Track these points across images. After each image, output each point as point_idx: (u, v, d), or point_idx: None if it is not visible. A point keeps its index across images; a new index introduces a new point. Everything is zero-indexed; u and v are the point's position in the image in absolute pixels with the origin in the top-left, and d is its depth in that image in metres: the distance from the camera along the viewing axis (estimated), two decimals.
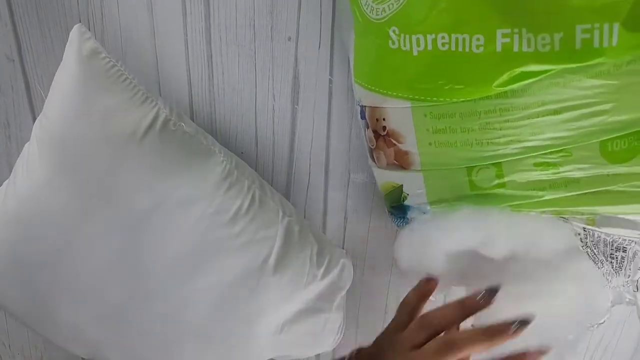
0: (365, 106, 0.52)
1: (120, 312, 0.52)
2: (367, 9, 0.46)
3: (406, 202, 0.53)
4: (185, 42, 0.60)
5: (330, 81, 0.62)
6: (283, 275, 0.53)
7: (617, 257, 0.50)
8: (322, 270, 0.55)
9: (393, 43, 0.45)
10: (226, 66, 0.61)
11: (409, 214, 0.53)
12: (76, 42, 0.48)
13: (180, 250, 0.50)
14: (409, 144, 0.49)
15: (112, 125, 0.48)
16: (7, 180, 0.53)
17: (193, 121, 0.64)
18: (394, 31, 0.45)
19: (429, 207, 0.51)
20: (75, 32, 0.48)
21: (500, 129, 0.45)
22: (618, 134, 0.43)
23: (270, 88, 0.62)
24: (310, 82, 0.62)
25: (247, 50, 0.60)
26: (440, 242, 0.50)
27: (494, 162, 0.46)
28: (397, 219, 0.55)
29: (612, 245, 0.50)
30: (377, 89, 0.49)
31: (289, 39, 0.60)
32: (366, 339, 0.79)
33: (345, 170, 0.67)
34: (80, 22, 0.60)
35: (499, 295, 0.48)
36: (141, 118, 0.49)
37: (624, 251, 0.50)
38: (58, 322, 0.53)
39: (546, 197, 0.47)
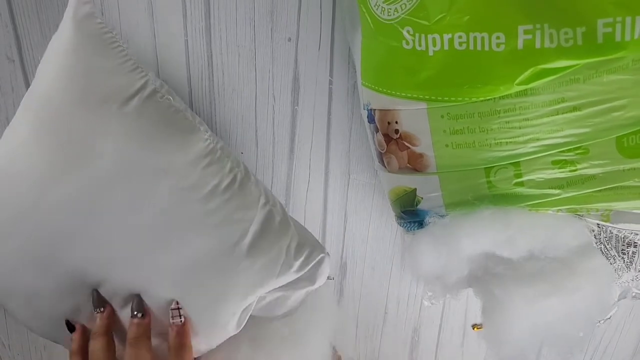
0: (374, 109, 0.51)
1: (77, 279, 0.50)
2: (376, 9, 0.46)
3: (420, 206, 0.52)
4: (185, 42, 0.60)
5: (330, 82, 0.62)
6: (256, 261, 0.51)
7: (628, 253, 0.50)
8: (298, 262, 0.53)
9: (407, 43, 0.44)
10: (226, 66, 0.61)
11: (427, 219, 0.52)
12: (73, 5, 0.47)
13: (147, 220, 0.48)
14: (424, 146, 0.48)
15: (95, 87, 0.47)
16: None
17: None
18: (408, 31, 0.44)
19: (445, 211, 0.51)
20: None
21: (520, 128, 0.44)
22: (633, 129, 0.44)
23: (270, 88, 0.62)
24: (310, 82, 0.62)
25: (247, 51, 0.60)
26: (464, 245, 0.49)
27: (513, 161, 0.46)
28: (408, 224, 0.55)
29: (624, 241, 0.50)
30: (388, 91, 0.48)
31: (289, 39, 0.60)
32: (366, 339, 0.79)
33: (346, 171, 0.67)
34: None
35: (512, 296, 0.49)
36: (127, 85, 0.48)
37: (635, 246, 0.50)
38: (18, 290, 0.51)
39: (564, 195, 0.47)
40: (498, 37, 0.41)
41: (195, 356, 0.51)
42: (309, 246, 0.55)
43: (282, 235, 0.53)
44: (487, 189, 0.48)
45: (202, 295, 0.50)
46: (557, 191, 0.47)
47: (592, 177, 0.46)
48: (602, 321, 0.61)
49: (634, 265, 0.51)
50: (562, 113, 0.43)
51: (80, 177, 0.48)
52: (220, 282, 0.50)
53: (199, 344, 0.52)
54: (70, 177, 0.48)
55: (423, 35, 0.43)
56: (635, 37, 0.38)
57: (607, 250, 0.50)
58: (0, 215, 0.49)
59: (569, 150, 0.45)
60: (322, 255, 0.55)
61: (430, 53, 0.43)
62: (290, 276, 0.53)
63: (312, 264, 0.55)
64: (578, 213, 0.48)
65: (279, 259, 0.52)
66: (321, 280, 0.56)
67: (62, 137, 0.47)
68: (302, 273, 0.54)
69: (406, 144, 0.49)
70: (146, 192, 0.48)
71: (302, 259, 0.54)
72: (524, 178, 0.47)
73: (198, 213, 0.49)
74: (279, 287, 0.54)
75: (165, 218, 0.49)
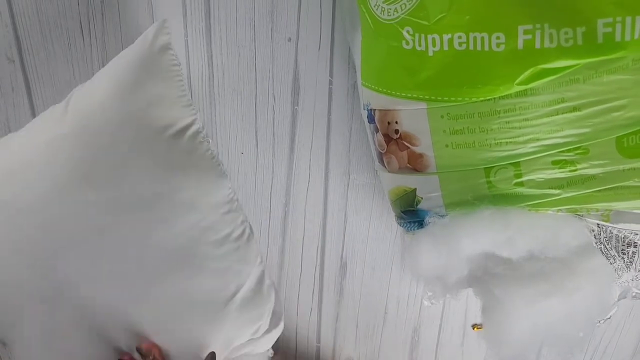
0: (374, 109, 0.51)
1: (65, 290, 0.49)
2: (376, 10, 0.46)
3: (420, 206, 0.52)
4: (186, 42, 0.60)
5: (330, 82, 0.62)
6: (241, 316, 0.53)
7: (628, 252, 0.50)
8: (267, 327, 0.56)
9: (407, 43, 0.44)
10: (226, 66, 0.61)
11: (427, 219, 0.52)
12: (154, 31, 0.50)
13: (160, 247, 0.50)
14: (424, 146, 0.48)
15: (152, 112, 0.49)
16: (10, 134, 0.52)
17: None
18: (407, 31, 0.44)
19: (445, 211, 0.51)
20: (158, 24, 0.50)
21: (520, 128, 0.44)
22: (633, 129, 0.43)
23: (270, 89, 0.62)
24: (310, 83, 0.62)
25: (247, 51, 0.60)
26: (464, 245, 0.49)
27: (513, 161, 0.46)
28: (408, 224, 0.55)
29: (624, 240, 0.50)
30: (388, 91, 0.48)
31: (289, 40, 0.60)
32: (366, 339, 0.79)
33: (346, 172, 0.67)
34: (80, 22, 0.60)
35: (512, 296, 0.49)
36: (180, 118, 0.50)
37: (635, 246, 0.50)
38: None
39: (563, 195, 0.47)
40: (498, 37, 0.41)
41: None
42: (277, 315, 0.58)
43: (268, 298, 0.56)
44: (487, 189, 0.48)
45: (187, 338, 0.51)
46: (557, 191, 0.47)
47: (592, 177, 0.46)
48: (602, 321, 0.61)
49: (634, 265, 0.51)
50: (562, 113, 0.43)
51: (105, 193, 0.48)
52: (206, 327, 0.51)
53: None
54: (95, 190, 0.48)
55: (423, 36, 0.43)
56: (635, 37, 0.38)
57: (607, 250, 0.50)
58: (9, 199, 0.48)
59: (569, 151, 0.45)
60: (279, 326, 0.58)
61: (430, 53, 0.43)
62: (258, 338, 0.56)
63: (274, 332, 0.57)
64: (578, 213, 0.48)
65: (258, 320, 0.55)
66: (265, 346, 0.59)
67: (106, 148, 0.48)
68: (264, 338, 0.56)
69: (406, 144, 0.49)
70: (167, 221, 0.50)
71: (270, 324, 0.56)
72: (524, 178, 0.47)
73: (208, 254, 0.51)
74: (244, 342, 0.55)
75: (177, 250, 0.50)
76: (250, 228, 0.56)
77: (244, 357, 0.57)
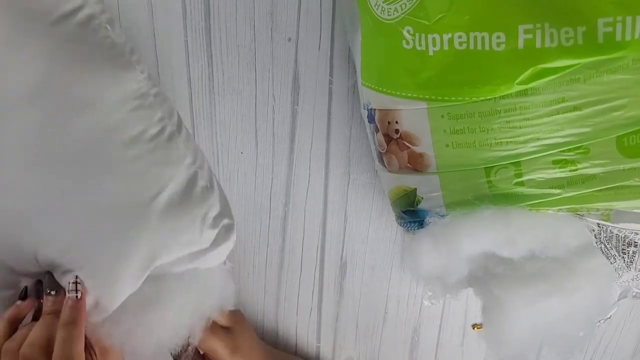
0: (374, 109, 0.51)
1: None
2: (376, 9, 0.46)
3: (420, 206, 0.52)
4: (185, 42, 0.60)
5: (331, 82, 0.62)
6: (166, 221, 0.47)
7: (628, 252, 0.50)
8: (213, 233, 0.50)
9: (407, 43, 0.44)
10: (226, 67, 0.61)
11: (427, 219, 0.52)
12: None
13: (58, 151, 0.44)
14: (425, 146, 0.48)
15: None
16: None
17: (193, 121, 0.64)
18: (408, 31, 0.44)
19: (445, 211, 0.51)
20: None
21: (520, 127, 0.44)
22: (634, 129, 0.44)
23: (270, 88, 0.62)
24: (310, 83, 0.62)
25: (247, 51, 0.60)
26: (465, 245, 0.49)
27: (513, 161, 0.46)
28: (409, 224, 0.54)
29: (624, 240, 0.50)
30: (388, 91, 0.48)
31: (289, 39, 0.60)
32: (366, 338, 0.79)
33: (346, 172, 0.67)
34: None
35: (512, 296, 0.49)
36: (63, 1, 0.43)
37: (635, 246, 0.50)
38: None
39: (564, 195, 0.47)
40: (498, 37, 0.41)
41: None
42: (228, 227, 0.53)
43: (201, 202, 0.50)
44: (487, 189, 0.48)
45: (105, 248, 0.46)
46: (557, 191, 0.47)
47: (592, 177, 0.46)
48: (602, 321, 0.61)
49: (634, 264, 0.51)
50: (563, 113, 0.43)
51: None
52: (125, 236, 0.46)
53: (95, 312, 0.47)
54: None
55: (423, 35, 0.43)
56: (636, 36, 0.38)
57: (608, 249, 0.50)
58: None
59: (569, 150, 0.45)
60: (230, 239, 0.53)
61: (431, 53, 0.43)
62: (200, 245, 0.51)
63: (226, 243, 0.52)
64: (578, 213, 0.48)
65: (191, 226, 0.49)
66: (216, 260, 0.54)
67: None
68: (210, 245, 0.51)
69: (406, 143, 0.49)
70: (58, 122, 0.44)
71: (217, 230, 0.51)
72: (525, 178, 0.47)
73: (116, 157, 0.46)
74: (184, 255, 0.50)
75: (80, 154, 0.45)
76: (178, 126, 0.50)
77: (194, 272, 0.53)
